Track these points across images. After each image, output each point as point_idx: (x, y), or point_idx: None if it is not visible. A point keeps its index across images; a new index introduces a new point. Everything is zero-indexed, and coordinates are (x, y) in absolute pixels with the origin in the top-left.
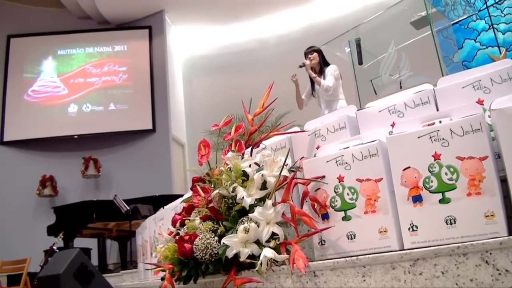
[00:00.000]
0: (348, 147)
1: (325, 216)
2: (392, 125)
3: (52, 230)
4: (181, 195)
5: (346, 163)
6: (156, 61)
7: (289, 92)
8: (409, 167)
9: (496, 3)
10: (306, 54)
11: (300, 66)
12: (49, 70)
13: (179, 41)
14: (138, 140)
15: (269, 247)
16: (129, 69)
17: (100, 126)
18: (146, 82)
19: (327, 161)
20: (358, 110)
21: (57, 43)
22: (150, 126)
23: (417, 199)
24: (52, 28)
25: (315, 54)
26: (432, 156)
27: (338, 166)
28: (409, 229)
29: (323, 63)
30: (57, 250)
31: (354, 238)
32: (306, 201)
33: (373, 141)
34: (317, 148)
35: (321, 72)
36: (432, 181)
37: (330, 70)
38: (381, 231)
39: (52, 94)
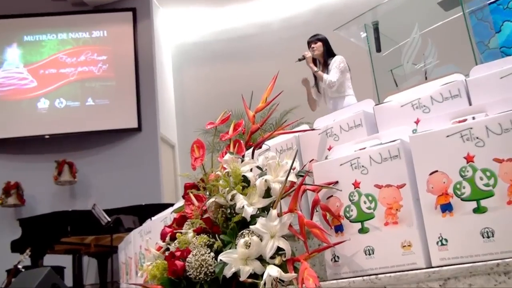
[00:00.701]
0: (364, 148)
1: (339, 228)
2: (416, 122)
3: (17, 246)
4: (171, 204)
5: (363, 166)
6: (142, 48)
7: (295, 84)
8: (436, 171)
9: None
10: (309, 44)
11: (300, 60)
12: (13, 59)
13: (168, 26)
14: (121, 141)
15: (274, 264)
16: (109, 58)
17: (76, 124)
18: (130, 73)
19: (341, 164)
20: (376, 105)
21: (24, 28)
22: (135, 125)
23: (447, 208)
24: (17, 10)
25: (319, 43)
26: (464, 158)
27: (354, 170)
28: (437, 243)
29: (328, 54)
30: (23, 270)
31: (373, 253)
32: (316, 211)
33: (394, 140)
34: (329, 149)
35: (325, 65)
36: (464, 187)
37: (335, 63)
38: (405, 246)
39: (17, 87)
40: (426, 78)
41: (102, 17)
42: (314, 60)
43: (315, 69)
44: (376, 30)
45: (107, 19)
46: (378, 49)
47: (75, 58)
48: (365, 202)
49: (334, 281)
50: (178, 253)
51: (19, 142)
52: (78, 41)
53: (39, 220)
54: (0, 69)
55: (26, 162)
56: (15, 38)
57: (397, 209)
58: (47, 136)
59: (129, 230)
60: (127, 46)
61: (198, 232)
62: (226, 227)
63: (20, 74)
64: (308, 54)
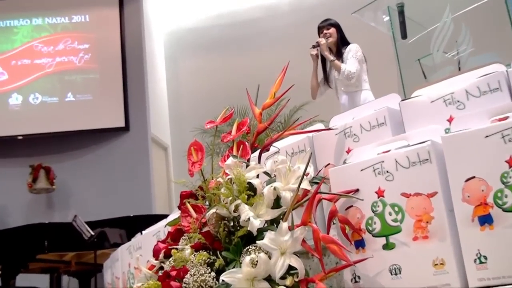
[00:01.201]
0: (389, 151)
1: (360, 244)
2: (450, 121)
3: None
4: (165, 216)
5: (388, 172)
6: (130, 36)
7: (306, 76)
8: (473, 177)
9: None
10: (320, 29)
11: (314, 46)
12: None
13: (160, 9)
14: (106, 142)
15: (285, 285)
16: (92, 46)
17: (53, 123)
18: (116, 64)
19: (362, 170)
20: (402, 100)
21: None
22: (122, 124)
23: (486, 220)
24: None
25: (333, 29)
26: (506, 162)
27: (377, 176)
28: (475, 260)
29: (342, 42)
30: None
31: (400, 273)
32: (333, 224)
33: (423, 142)
34: (348, 151)
35: (338, 54)
36: (506, 196)
37: (351, 52)
38: (437, 264)
39: None
40: (459, 69)
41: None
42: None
43: (331, 57)
44: (401, 13)
45: (89, 2)
46: (404, 36)
47: (52, 47)
48: (390, 214)
49: None
50: (173, 273)
51: None
52: (56, 27)
53: (11, 234)
54: None
55: None
56: None
57: (427, 222)
58: (20, 137)
59: (116, 245)
60: (113, 33)
61: (196, 248)
62: (229, 242)
63: None
64: (323, 41)
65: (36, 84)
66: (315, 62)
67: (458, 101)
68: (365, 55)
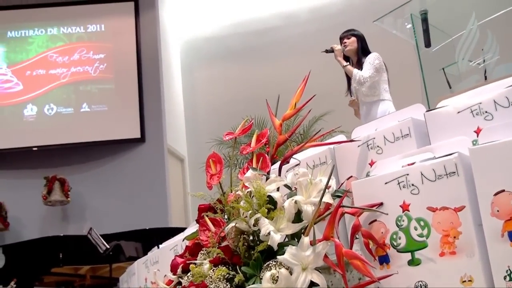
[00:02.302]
0: (414, 163)
1: (384, 260)
2: (477, 132)
3: (0, 277)
4: (181, 229)
5: (413, 185)
6: (145, 45)
7: (326, 86)
8: (503, 191)
9: None
10: (341, 39)
11: (327, 51)
12: None
13: (176, 18)
14: (122, 154)
15: None
16: (108, 56)
17: (68, 134)
18: (132, 74)
19: (386, 183)
20: (427, 111)
21: (7, 22)
22: (137, 134)
23: None
24: None
25: (353, 39)
26: None
27: (402, 190)
28: (504, 277)
29: (363, 53)
30: None
31: None
32: (356, 238)
33: (450, 154)
34: (371, 164)
35: (358, 63)
36: None
37: (369, 59)
38: (465, 281)
39: (0, 91)
40: (486, 78)
41: (99, 9)
42: (346, 59)
43: (344, 63)
44: (425, 20)
45: (105, 11)
46: (427, 44)
47: (67, 57)
48: (415, 228)
49: None
50: None
51: (1, 156)
52: (71, 37)
53: (26, 247)
54: None
55: (10, 178)
56: None
57: (455, 237)
58: (35, 148)
59: (131, 259)
60: (128, 42)
61: (215, 263)
62: (249, 257)
63: (3, 76)
64: (338, 46)
65: (51, 94)
66: (355, 106)
67: (486, 112)
68: (386, 65)
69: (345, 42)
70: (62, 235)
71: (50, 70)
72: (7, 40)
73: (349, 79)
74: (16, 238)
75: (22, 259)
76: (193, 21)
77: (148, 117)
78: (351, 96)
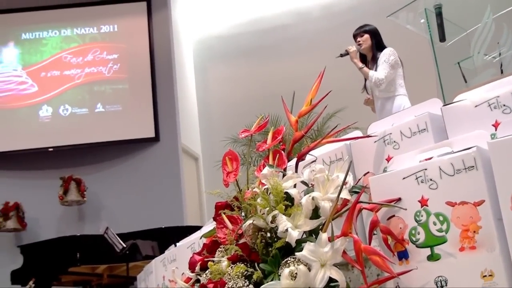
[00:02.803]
0: (432, 158)
1: (403, 255)
2: (495, 126)
3: (18, 277)
4: (196, 227)
5: (431, 180)
6: (158, 45)
7: (340, 82)
8: None
9: None
10: (355, 37)
11: (342, 55)
12: (10, 60)
13: (188, 17)
14: (136, 153)
15: None
16: (121, 57)
17: (83, 134)
18: (145, 74)
19: (404, 178)
20: (444, 105)
21: (21, 24)
22: (151, 134)
23: None
24: (12, 3)
25: (366, 36)
26: None
27: (420, 185)
28: None
29: (377, 48)
30: None
31: (446, 285)
32: (374, 234)
33: (469, 148)
34: (388, 159)
35: (374, 60)
36: None
37: (384, 56)
38: (485, 276)
39: (15, 93)
40: (502, 72)
41: (112, 9)
42: (363, 57)
43: (360, 65)
44: (439, 15)
45: (117, 12)
46: (442, 38)
47: (81, 58)
48: (434, 223)
49: None
50: (210, 286)
51: (18, 157)
52: (85, 38)
53: (43, 247)
54: None
55: (26, 179)
56: (11, 36)
57: (474, 231)
58: (50, 149)
59: (148, 257)
60: (141, 42)
61: (233, 260)
62: (267, 254)
63: (18, 77)
64: (352, 48)
65: (66, 95)
66: (370, 104)
67: (504, 105)
68: (401, 59)
69: (359, 41)
70: (79, 234)
71: (64, 71)
72: (22, 42)
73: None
74: (33, 238)
75: (40, 258)
76: (205, 20)
77: (162, 117)
78: (368, 93)
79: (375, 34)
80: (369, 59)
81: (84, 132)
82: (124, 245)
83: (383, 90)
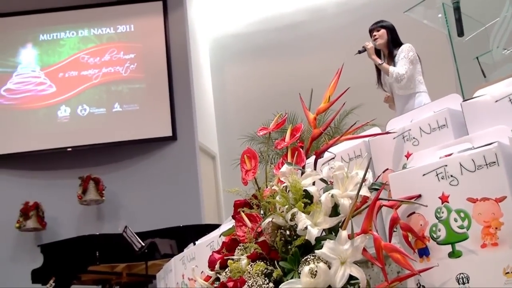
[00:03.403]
0: (452, 154)
1: (424, 252)
2: None
3: (38, 276)
4: (214, 225)
5: (452, 176)
6: (175, 44)
7: (356, 78)
8: None
9: None
10: (371, 32)
11: (360, 52)
12: (29, 61)
13: (204, 16)
14: (154, 152)
15: None
16: (138, 56)
17: (101, 134)
18: (162, 73)
19: (424, 174)
20: (464, 100)
21: (39, 25)
22: (169, 133)
23: None
24: (30, 5)
25: (383, 31)
26: None
27: (440, 181)
28: None
29: (394, 44)
30: None
31: (468, 282)
32: (395, 231)
33: (490, 144)
34: (407, 156)
35: (390, 56)
36: None
37: (403, 52)
38: (508, 272)
39: (34, 94)
40: None
41: (128, 9)
42: (378, 52)
43: (379, 61)
44: (457, 9)
45: (134, 11)
46: (460, 33)
47: (98, 58)
48: (456, 220)
49: None
50: (230, 284)
51: (37, 157)
52: (102, 38)
53: (63, 246)
54: (14, 73)
55: (46, 179)
56: (30, 37)
57: (496, 228)
58: (69, 149)
59: (166, 256)
60: (158, 41)
61: (253, 258)
62: (286, 252)
63: (37, 78)
64: (370, 44)
65: (84, 95)
66: (390, 101)
67: None
68: (419, 55)
69: (375, 36)
70: (98, 233)
71: (82, 72)
72: (40, 43)
73: (378, 70)
74: (53, 237)
75: (60, 258)
76: (221, 18)
77: (179, 115)
78: (383, 89)
79: (391, 30)
80: (385, 54)
81: (102, 131)
82: (143, 244)
83: (403, 86)
